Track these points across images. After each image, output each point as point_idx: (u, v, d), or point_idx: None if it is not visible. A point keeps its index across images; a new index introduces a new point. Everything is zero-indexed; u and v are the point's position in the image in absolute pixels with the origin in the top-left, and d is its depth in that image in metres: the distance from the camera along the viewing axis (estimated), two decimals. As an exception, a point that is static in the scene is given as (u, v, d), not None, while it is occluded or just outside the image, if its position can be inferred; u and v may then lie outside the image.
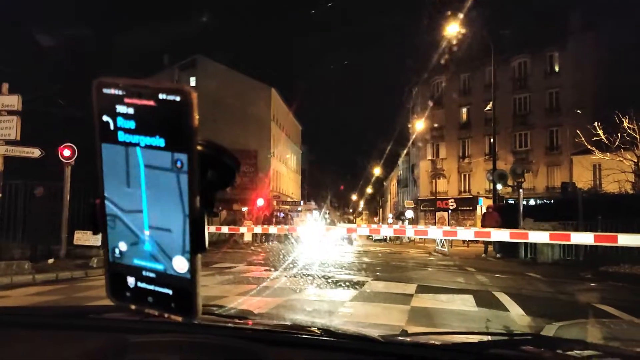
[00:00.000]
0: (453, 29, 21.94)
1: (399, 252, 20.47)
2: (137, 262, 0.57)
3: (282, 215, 34.78)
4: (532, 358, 1.14)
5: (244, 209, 33.09)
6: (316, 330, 1.32)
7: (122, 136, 0.54)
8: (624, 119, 20.52)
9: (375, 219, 76.00)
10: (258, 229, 18.55)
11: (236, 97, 38.29)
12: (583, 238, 8.96)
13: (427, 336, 1.48)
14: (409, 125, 46.59)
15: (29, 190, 11.49)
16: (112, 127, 0.54)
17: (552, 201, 22.23)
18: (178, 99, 0.51)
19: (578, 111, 29.60)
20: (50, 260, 9.10)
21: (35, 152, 10.92)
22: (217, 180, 0.59)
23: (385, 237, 31.93)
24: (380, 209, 78.52)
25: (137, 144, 0.53)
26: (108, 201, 0.57)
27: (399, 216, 46.57)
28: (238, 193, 38.12)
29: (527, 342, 1.20)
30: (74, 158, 11.36)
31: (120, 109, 0.53)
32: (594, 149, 22.25)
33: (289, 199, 46.13)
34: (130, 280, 0.58)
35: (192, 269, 0.54)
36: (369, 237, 33.45)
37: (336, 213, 68.05)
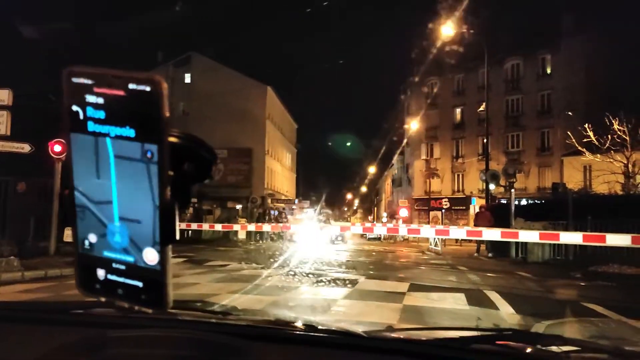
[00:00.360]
0: (447, 30, 22.04)
1: (392, 251, 20.55)
2: (107, 254, 0.56)
3: (276, 213, 34.78)
4: (512, 352, 1.16)
5: (238, 206, 33.06)
6: (300, 326, 1.32)
7: (91, 126, 0.53)
8: (614, 121, 20.75)
9: (370, 218, 76.20)
10: (252, 227, 18.56)
11: (231, 95, 38.21)
12: (572, 238, 9.07)
13: (412, 332, 1.51)
14: (404, 125, 46.71)
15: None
16: (81, 116, 0.53)
17: (543, 201, 22.37)
18: (148, 89, 0.51)
19: (569, 113, 29.83)
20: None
21: (26, 148, 10.85)
22: (193, 173, 0.59)
23: (379, 236, 32.03)
24: (375, 208, 78.68)
25: (107, 134, 0.53)
26: (77, 192, 0.56)
27: (393, 215, 46.72)
28: (233, 191, 38.15)
29: (508, 337, 1.24)
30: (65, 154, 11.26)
31: (90, 98, 0.52)
32: (584, 150, 22.46)
33: (283, 197, 46.16)
34: (100, 273, 0.57)
35: (163, 261, 0.53)
36: (363, 236, 33.54)
37: (330, 211, 68.20)
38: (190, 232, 20.35)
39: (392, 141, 47.33)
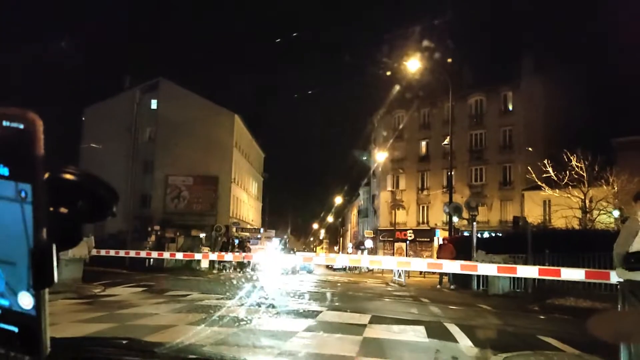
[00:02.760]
0: (414, 65, 22.70)
1: (356, 282, 20.51)
2: None
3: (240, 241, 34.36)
4: None
5: (202, 235, 32.54)
6: None
7: None
8: (572, 158, 21.58)
9: (336, 248, 76.11)
10: (214, 256, 18.23)
11: (199, 122, 38.03)
12: (529, 271, 9.27)
13: None
14: (370, 156, 47.39)
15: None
16: None
17: (505, 234, 22.87)
18: (22, 126, 0.49)
19: (529, 149, 30.93)
20: None
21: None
22: (89, 211, 0.57)
23: (344, 267, 31.99)
24: (341, 238, 78.71)
25: None
26: None
27: (358, 246, 46.84)
28: (198, 219, 37.53)
29: None
30: None
31: None
32: (543, 185, 23.19)
33: (249, 226, 45.68)
34: None
35: (38, 305, 0.51)
36: (328, 267, 33.43)
37: (297, 241, 67.86)
38: (151, 260, 19.87)
39: (359, 172, 47.89)
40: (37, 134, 0.49)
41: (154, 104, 40.79)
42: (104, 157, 33.51)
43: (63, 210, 0.53)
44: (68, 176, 0.54)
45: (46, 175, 0.50)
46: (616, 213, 20.96)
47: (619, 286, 5.07)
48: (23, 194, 0.49)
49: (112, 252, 15.87)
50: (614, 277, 5.18)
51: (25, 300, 0.51)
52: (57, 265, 0.52)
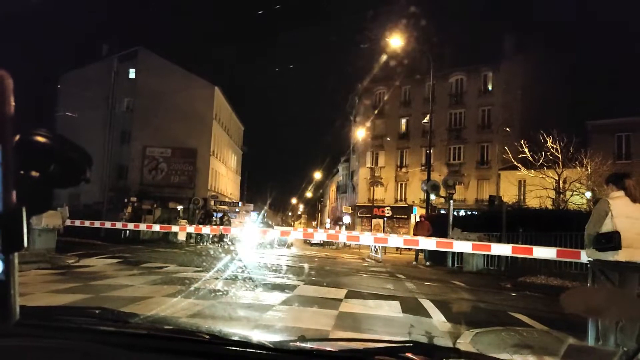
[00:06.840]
0: (396, 42, 22.57)
1: (333, 257, 20.70)
2: None
3: (219, 215, 34.21)
4: None
5: (180, 207, 32.29)
6: (204, 336, 1.23)
7: None
8: (548, 139, 21.93)
9: (314, 223, 76.58)
10: (191, 229, 18.14)
11: (178, 93, 37.34)
12: (502, 249, 9.46)
13: (321, 342, 1.49)
14: (351, 132, 47.37)
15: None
16: None
17: (480, 213, 23.24)
18: None
19: (507, 129, 31.31)
20: None
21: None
22: (61, 175, 0.56)
23: (322, 242, 32.22)
24: (319, 214, 79.15)
25: None
26: None
27: (336, 221, 47.20)
28: (175, 191, 37.18)
29: (407, 349, 1.26)
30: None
31: None
32: (519, 165, 23.58)
33: (227, 199, 45.48)
34: None
35: (7, 270, 0.49)
36: (306, 242, 33.63)
37: (275, 216, 68.08)
38: (127, 232, 19.68)
39: (339, 148, 47.91)
40: (6, 92, 0.46)
41: (132, 74, 39.86)
42: (80, 126, 32.70)
43: (34, 173, 0.51)
44: (39, 139, 0.52)
45: (17, 138, 0.48)
46: (588, 194, 21.48)
47: (589, 265, 5.20)
48: None
49: (87, 223, 15.63)
50: (584, 257, 5.31)
51: None
52: (28, 230, 0.50)
